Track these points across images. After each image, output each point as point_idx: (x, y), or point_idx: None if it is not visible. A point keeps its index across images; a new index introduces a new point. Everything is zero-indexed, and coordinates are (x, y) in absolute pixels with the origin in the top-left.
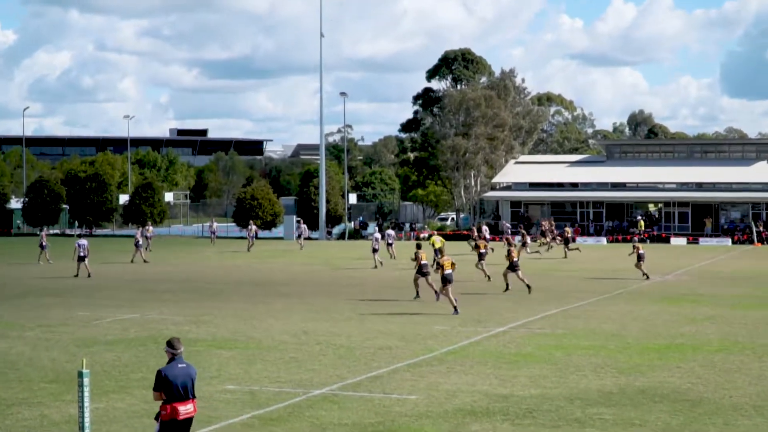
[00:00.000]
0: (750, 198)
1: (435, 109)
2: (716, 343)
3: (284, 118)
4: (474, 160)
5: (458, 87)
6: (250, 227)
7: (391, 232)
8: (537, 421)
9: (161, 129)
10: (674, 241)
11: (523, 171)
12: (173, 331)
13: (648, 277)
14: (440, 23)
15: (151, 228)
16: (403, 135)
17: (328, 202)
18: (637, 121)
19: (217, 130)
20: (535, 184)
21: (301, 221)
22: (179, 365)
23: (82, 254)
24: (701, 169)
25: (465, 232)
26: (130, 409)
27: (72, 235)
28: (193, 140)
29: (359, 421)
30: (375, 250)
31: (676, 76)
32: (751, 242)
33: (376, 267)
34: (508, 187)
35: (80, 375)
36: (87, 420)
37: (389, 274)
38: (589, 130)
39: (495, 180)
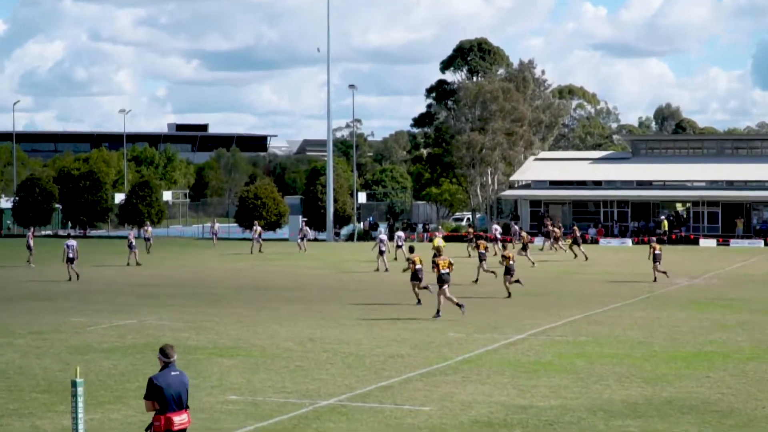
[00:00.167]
0: None
1: (449, 103)
2: (748, 350)
3: (289, 113)
4: (491, 157)
5: (474, 79)
6: (255, 228)
7: (400, 233)
8: None
9: (159, 124)
10: (703, 242)
11: (543, 168)
12: (172, 337)
13: (667, 275)
14: (455, 11)
15: (150, 229)
16: (415, 130)
17: (335, 201)
18: (664, 115)
19: (218, 125)
20: (556, 183)
21: (304, 222)
22: (172, 373)
23: (71, 256)
24: (732, 167)
25: (480, 233)
26: (126, 421)
27: (65, 236)
28: (193, 136)
29: None
30: (381, 253)
31: (705, 68)
32: None
33: (378, 270)
34: (527, 186)
35: (74, 384)
36: None
37: (400, 278)
38: (614, 125)
39: (513, 178)
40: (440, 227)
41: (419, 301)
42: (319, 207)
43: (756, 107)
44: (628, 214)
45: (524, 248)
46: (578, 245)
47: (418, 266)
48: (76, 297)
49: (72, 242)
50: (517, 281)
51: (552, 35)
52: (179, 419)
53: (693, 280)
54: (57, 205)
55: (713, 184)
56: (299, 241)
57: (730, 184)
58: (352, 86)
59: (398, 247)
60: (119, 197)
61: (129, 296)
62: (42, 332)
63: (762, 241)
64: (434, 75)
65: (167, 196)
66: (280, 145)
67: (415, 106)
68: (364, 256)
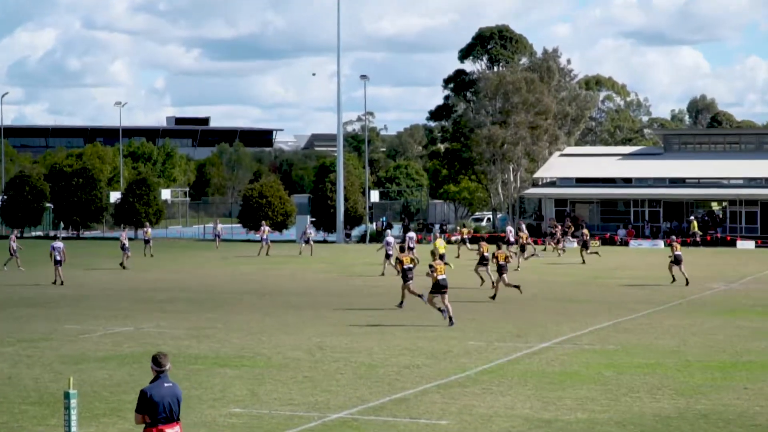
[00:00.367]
0: None
1: (468, 94)
2: None
3: (297, 105)
4: (513, 152)
5: (495, 69)
6: (262, 229)
7: (412, 234)
8: None
9: (157, 117)
10: (740, 244)
11: (569, 165)
12: (172, 346)
13: (687, 283)
14: None
15: (149, 230)
16: (431, 123)
17: (346, 200)
18: (699, 107)
19: (220, 119)
20: (583, 180)
21: (309, 223)
22: (165, 384)
23: (58, 258)
24: None
25: (501, 234)
26: None
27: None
28: (193, 130)
29: None
30: (388, 256)
31: (742, 57)
32: None
33: (383, 275)
34: (551, 183)
35: (67, 396)
36: None
37: (417, 283)
38: (644, 118)
39: (537, 175)
40: (458, 228)
41: (401, 303)
42: (328, 206)
43: None
44: (660, 214)
45: (522, 249)
46: (586, 249)
47: (406, 266)
48: (68, 302)
49: (58, 244)
50: (516, 286)
51: (578, 22)
52: None
53: (729, 285)
54: (48, 205)
55: (751, 182)
56: (302, 244)
57: None
58: (363, 77)
59: (410, 248)
60: (115, 196)
61: (125, 301)
62: (33, 340)
63: None
64: (452, 64)
65: (166, 194)
66: (286, 140)
67: (432, 97)
68: (376, 258)
